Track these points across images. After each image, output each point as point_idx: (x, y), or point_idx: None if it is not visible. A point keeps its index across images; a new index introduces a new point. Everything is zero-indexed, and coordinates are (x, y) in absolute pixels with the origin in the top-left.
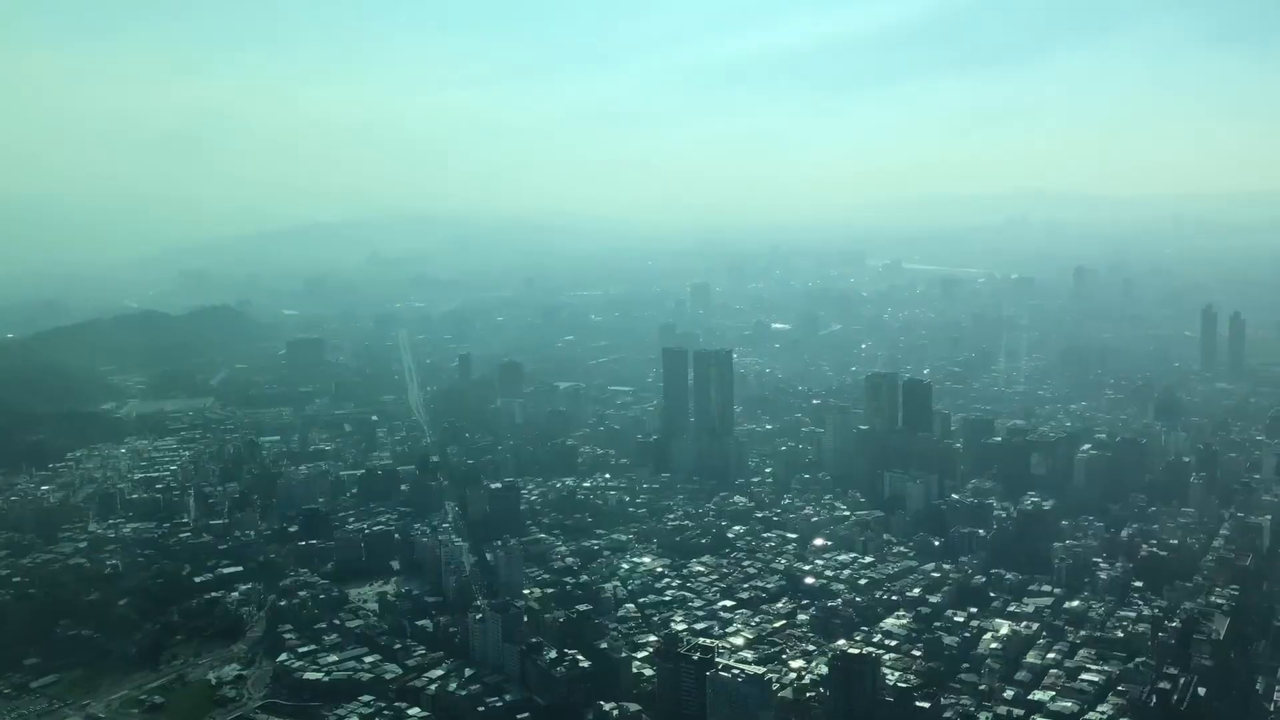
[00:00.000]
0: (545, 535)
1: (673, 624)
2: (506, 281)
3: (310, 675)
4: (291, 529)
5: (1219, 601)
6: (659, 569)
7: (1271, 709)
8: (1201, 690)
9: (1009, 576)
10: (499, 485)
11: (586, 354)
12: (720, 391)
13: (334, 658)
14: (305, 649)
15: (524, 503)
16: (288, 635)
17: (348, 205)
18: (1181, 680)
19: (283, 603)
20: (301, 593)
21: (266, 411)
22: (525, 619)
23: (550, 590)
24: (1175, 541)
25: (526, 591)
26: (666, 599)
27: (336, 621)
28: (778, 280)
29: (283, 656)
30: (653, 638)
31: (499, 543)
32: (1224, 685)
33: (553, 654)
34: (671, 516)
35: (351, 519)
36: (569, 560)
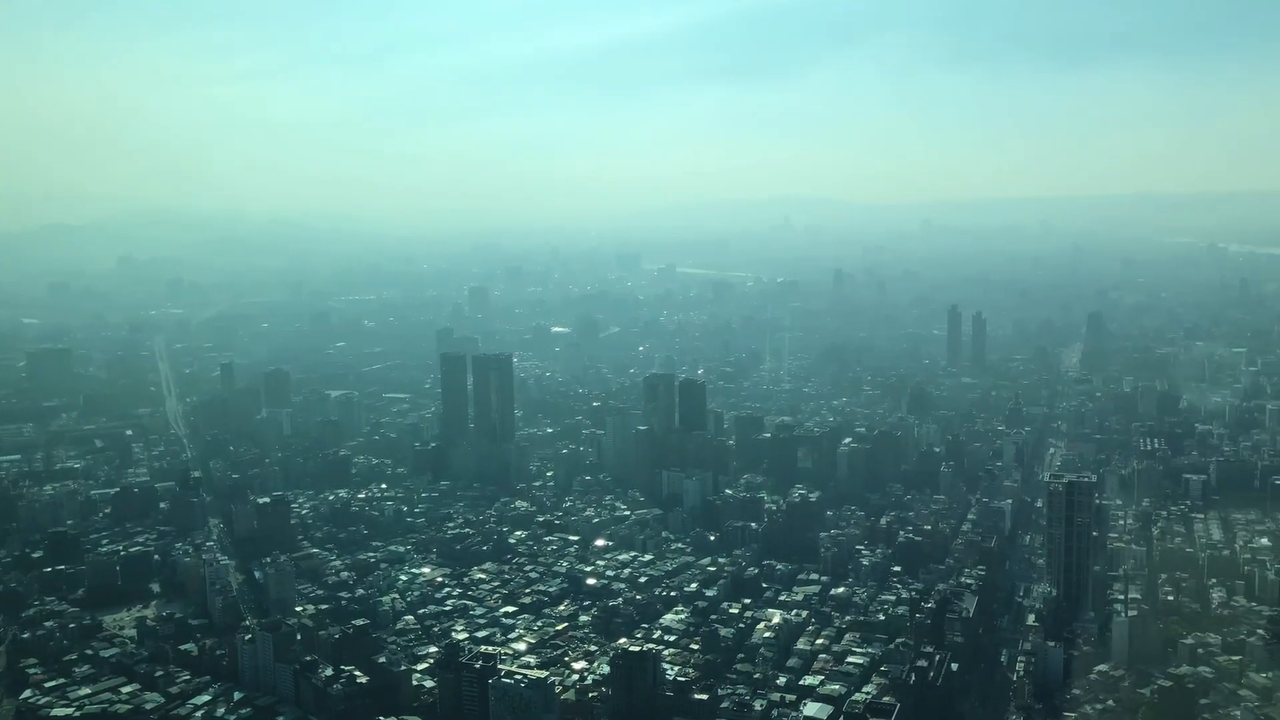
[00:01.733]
0: (318, 550)
1: (454, 634)
2: (272, 286)
3: (59, 711)
4: (35, 554)
5: (968, 581)
6: (439, 579)
7: (1014, 678)
8: (954, 665)
9: (780, 567)
10: (267, 500)
11: (359, 360)
12: (500, 396)
13: (86, 690)
14: (53, 683)
15: (294, 517)
16: (32, 670)
17: (95, 205)
18: (937, 657)
19: (25, 635)
20: (48, 623)
21: (4, 429)
22: (298, 637)
23: (325, 606)
24: (929, 527)
25: (299, 609)
26: (447, 609)
27: (89, 651)
28: (557, 284)
29: (26, 693)
30: (433, 649)
31: (268, 560)
32: (973, 659)
33: (329, 671)
34: (451, 525)
35: (105, 541)
36: (344, 574)
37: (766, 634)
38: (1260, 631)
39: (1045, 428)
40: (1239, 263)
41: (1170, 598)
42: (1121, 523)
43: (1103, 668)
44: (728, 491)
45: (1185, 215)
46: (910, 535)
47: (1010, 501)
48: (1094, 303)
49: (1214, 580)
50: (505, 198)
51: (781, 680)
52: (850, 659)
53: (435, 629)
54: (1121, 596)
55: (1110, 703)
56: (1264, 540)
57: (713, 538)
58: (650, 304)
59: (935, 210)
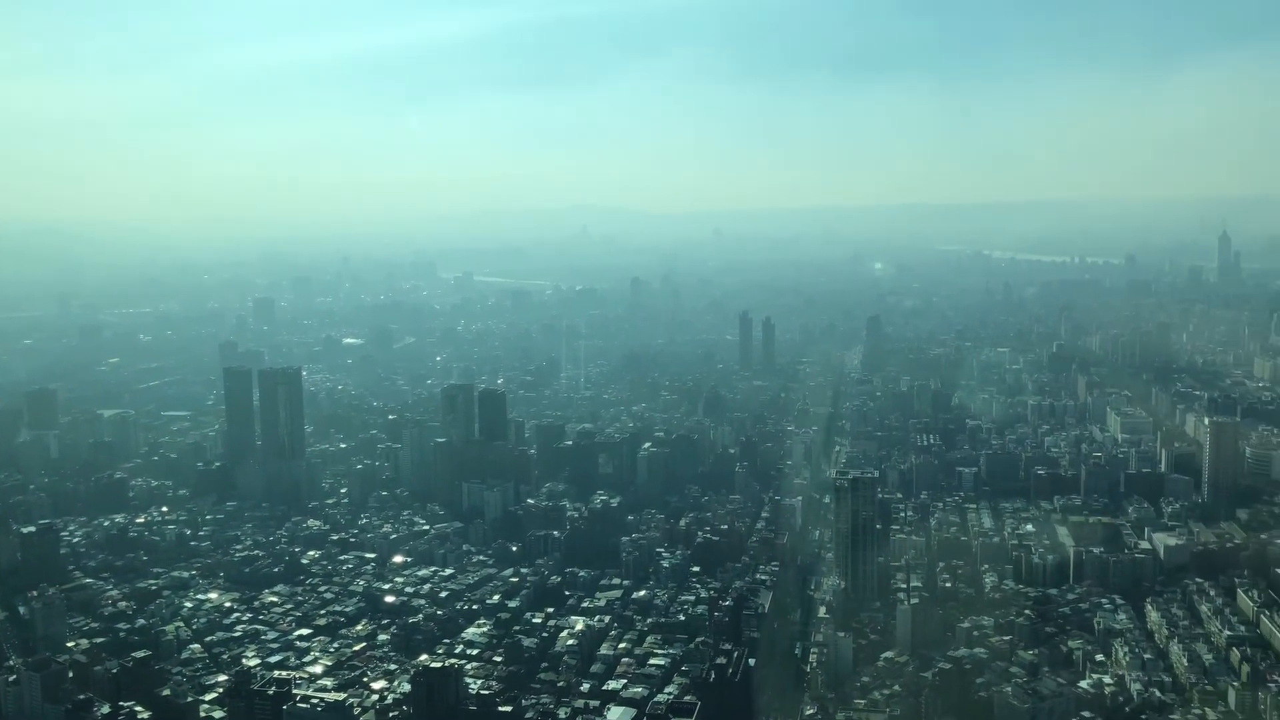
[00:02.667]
0: (92, 580)
1: (244, 660)
2: (36, 299)
3: None
4: None
5: (763, 577)
6: (227, 604)
7: (808, 669)
8: (752, 661)
9: (582, 574)
10: (32, 529)
11: (135, 377)
12: (289, 411)
13: None
14: None
15: (64, 546)
16: None
17: None
18: (735, 654)
19: None
20: None
21: None
22: (70, 675)
23: (101, 640)
24: (725, 526)
25: (71, 644)
26: (237, 635)
27: None
28: (348, 293)
29: None
30: (223, 677)
31: (34, 593)
32: (770, 654)
33: (106, 709)
34: (239, 547)
35: None
36: (121, 605)
37: (570, 641)
38: (1027, 612)
39: (832, 426)
40: (1002, 268)
41: (948, 584)
42: (903, 515)
43: (889, 654)
44: (530, 501)
45: (953, 224)
46: (708, 535)
47: (801, 499)
48: (873, 307)
49: (986, 566)
50: (293, 205)
51: (585, 687)
52: (652, 661)
53: (224, 656)
54: (904, 585)
55: (896, 687)
56: (1029, 526)
57: (515, 548)
58: (447, 313)
59: (726, 220)
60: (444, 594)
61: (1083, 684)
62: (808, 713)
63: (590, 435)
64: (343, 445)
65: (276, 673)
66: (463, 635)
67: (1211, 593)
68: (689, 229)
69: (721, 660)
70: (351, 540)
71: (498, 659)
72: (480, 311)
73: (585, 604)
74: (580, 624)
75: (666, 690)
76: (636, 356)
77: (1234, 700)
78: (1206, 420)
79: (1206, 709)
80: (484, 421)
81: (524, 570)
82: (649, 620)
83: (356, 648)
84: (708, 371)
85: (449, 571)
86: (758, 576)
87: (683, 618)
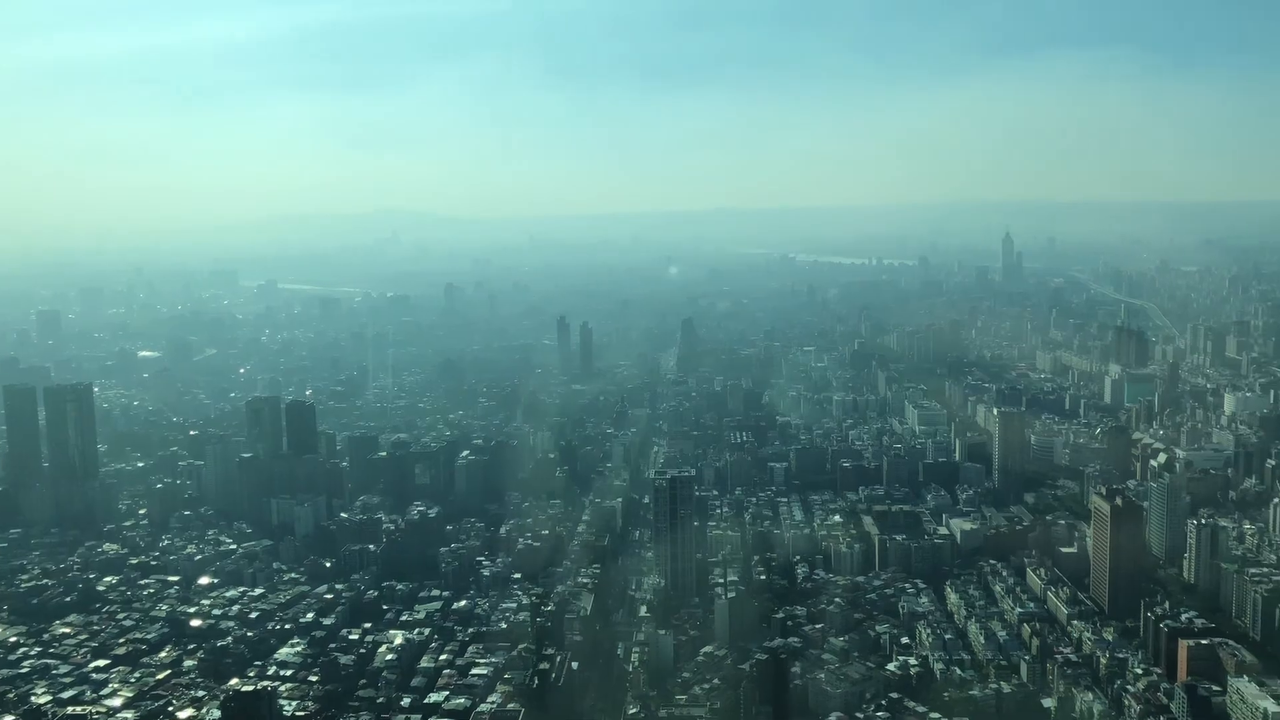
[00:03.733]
0: None
1: (33, 698)
2: None
3: None
4: None
5: (585, 581)
6: (13, 639)
7: (630, 669)
8: (575, 664)
9: (400, 587)
10: None
11: None
12: (80, 430)
13: None
14: None
15: None
16: None
17: None
18: (558, 659)
19: None
20: None
21: None
22: None
23: None
24: (546, 532)
25: None
26: (24, 671)
27: None
28: (142, 304)
29: None
30: (10, 718)
31: None
32: (593, 656)
33: None
34: (25, 577)
35: None
36: None
37: (389, 656)
38: (837, 600)
39: (649, 428)
40: (806, 271)
41: (763, 577)
42: (719, 511)
43: (708, 649)
44: (343, 515)
45: (760, 228)
46: (529, 542)
47: (621, 500)
48: (686, 310)
49: (798, 557)
50: (80, 211)
51: (406, 701)
52: (475, 671)
53: (10, 695)
54: (722, 580)
55: (715, 681)
56: (837, 517)
57: (329, 564)
58: (250, 323)
59: (539, 224)
60: (254, 615)
61: (890, 666)
62: (630, 712)
63: (405, 445)
64: (141, 464)
65: (70, 709)
66: (275, 656)
67: (1004, 573)
68: (502, 234)
69: (544, 666)
70: (152, 563)
71: (313, 678)
72: (286, 320)
73: (404, 617)
74: (399, 638)
75: (490, 699)
76: (452, 363)
77: (1025, 673)
78: (995, 411)
79: (1001, 682)
80: (292, 434)
81: (339, 586)
82: (470, 630)
83: (160, 676)
84: (526, 377)
85: (259, 591)
86: (580, 580)
87: (505, 626)
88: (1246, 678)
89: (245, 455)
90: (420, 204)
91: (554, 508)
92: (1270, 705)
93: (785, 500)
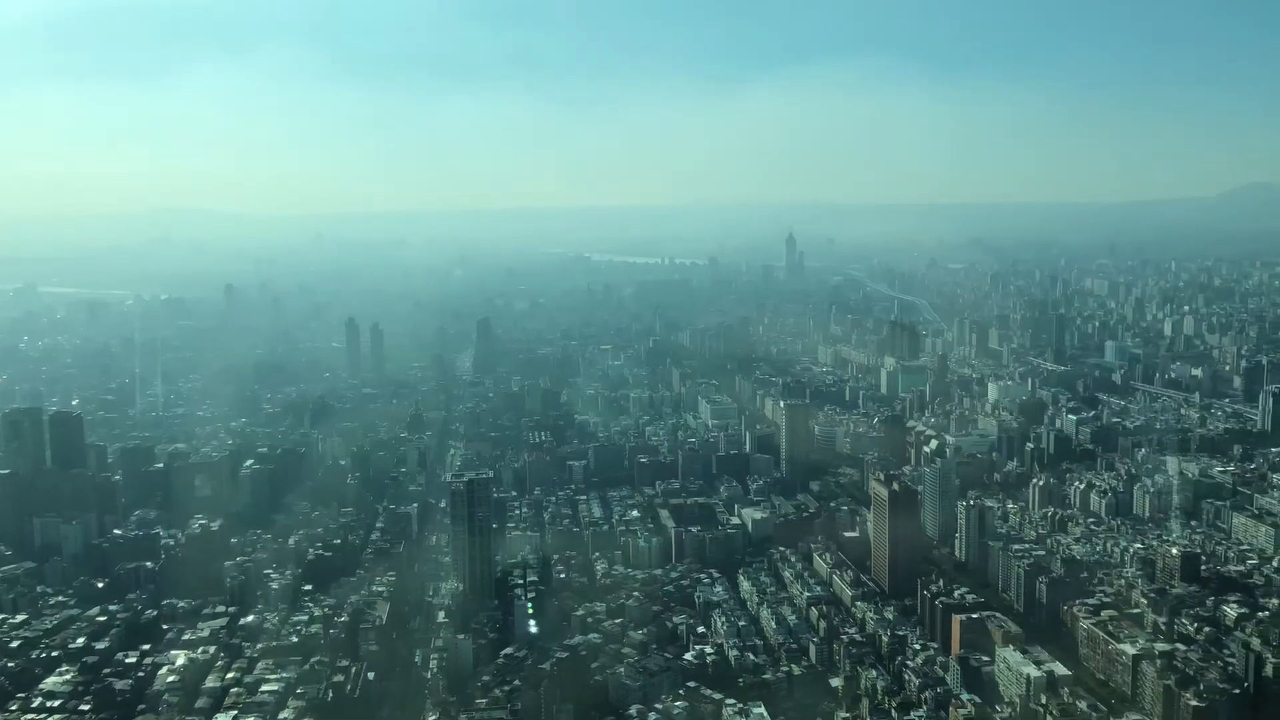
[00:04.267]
0: None
1: None
2: None
3: None
4: None
5: (380, 589)
6: None
7: (428, 676)
8: (371, 675)
9: (182, 604)
10: None
11: None
12: None
13: None
14: None
15: None
16: None
17: None
18: (353, 670)
19: None
20: None
21: None
22: None
23: None
24: (338, 541)
25: None
26: None
27: None
28: None
29: None
30: None
31: None
32: (390, 665)
33: None
34: None
35: None
36: None
37: (170, 678)
38: (636, 594)
39: (445, 430)
40: (602, 270)
41: (563, 575)
42: (518, 512)
43: (508, 650)
44: (116, 532)
45: (557, 228)
46: (320, 551)
47: (416, 505)
48: (482, 310)
49: (597, 554)
50: None
51: None
52: (265, 688)
53: None
54: (521, 581)
55: (516, 682)
56: (635, 512)
57: (101, 585)
58: (6, 329)
59: (328, 223)
60: (16, 643)
61: (687, 656)
62: (430, 719)
63: (184, 456)
64: None
65: None
66: (42, 686)
67: (793, 559)
68: (288, 233)
69: (339, 678)
70: None
71: (85, 708)
72: (47, 326)
73: (186, 636)
74: (181, 658)
75: (281, 716)
76: (234, 369)
77: (814, 654)
78: (782, 404)
79: (792, 665)
80: (57, 448)
81: (113, 608)
82: (259, 645)
83: None
84: (314, 382)
85: (21, 617)
86: (374, 588)
87: (296, 639)
88: (1012, 647)
89: (2, 472)
90: (198, 201)
91: (346, 516)
92: (1033, 671)
93: (584, 498)
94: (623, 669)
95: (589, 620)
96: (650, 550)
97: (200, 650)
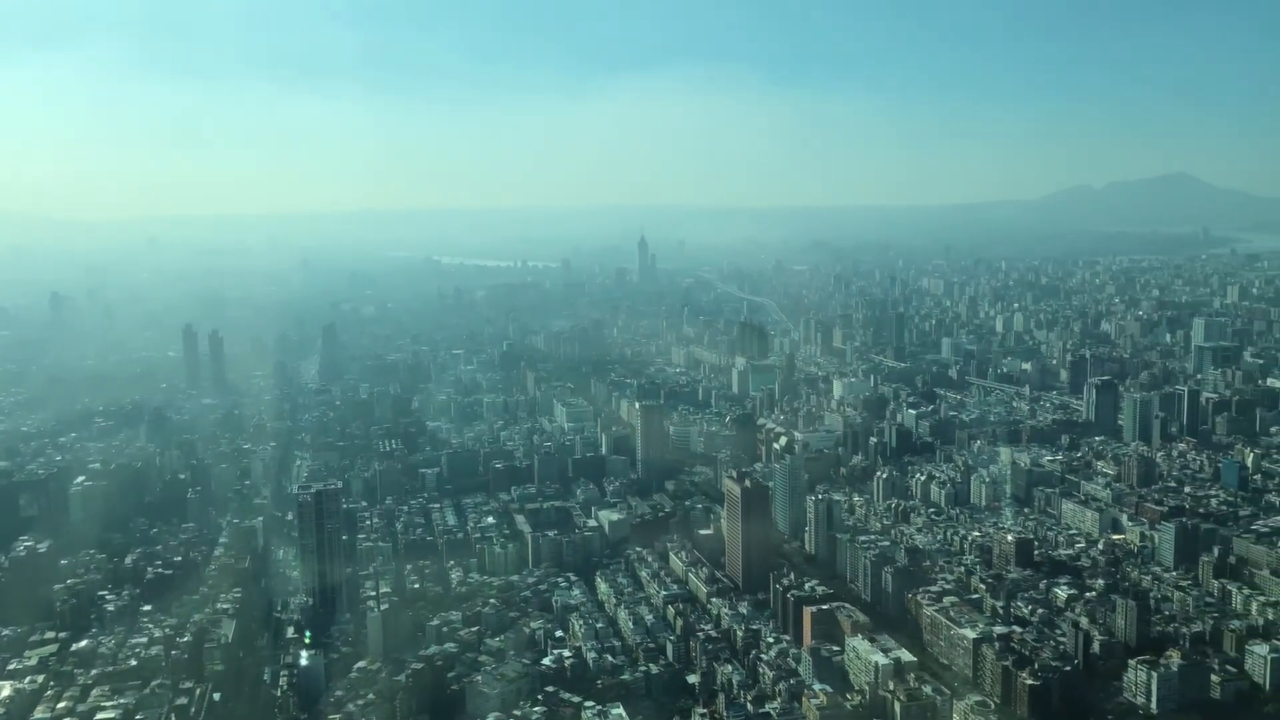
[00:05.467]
0: None
1: None
2: None
3: None
4: None
5: (225, 606)
6: None
7: (278, 694)
8: (217, 695)
9: (6, 632)
10: None
11: None
12: None
13: None
14: None
15: None
16: None
17: None
18: (198, 692)
19: None
20: None
21: None
22: None
23: None
24: (179, 558)
25: None
26: None
27: None
28: None
29: None
30: None
31: None
32: (237, 685)
33: None
34: None
35: None
36: None
37: None
38: (493, 601)
39: (291, 440)
40: (453, 273)
41: (416, 585)
42: (369, 522)
43: (361, 664)
44: None
45: (404, 230)
46: (160, 570)
47: (262, 519)
48: (327, 315)
49: (452, 562)
50: None
51: None
52: (100, 715)
53: None
54: (374, 593)
55: (370, 695)
56: (490, 519)
57: None
58: None
59: (162, 226)
60: None
61: (545, 661)
62: None
63: (8, 474)
64: None
65: None
66: None
67: (650, 559)
68: (119, 237)
69: (182, 701)
70: None
71: None
72: None
73: (12, 665)
74: (7, 689)
75: None
76: (61, 381)
77: (671, 652)
78: (637, 405)
79: (650, 664)
80: None
81: None
82: (94, 671)
83: None
84: (150, 392)
85: None
86: (219, 606)
87: (134, 663)
88: (860, 636)
89: None
90: (19, 205)
91: (187, 532)
92: (880, 658)
93: (438, 506)
94: (480, 677)
95: (444, 629)
96: (506, 556)
97: (27, 680)
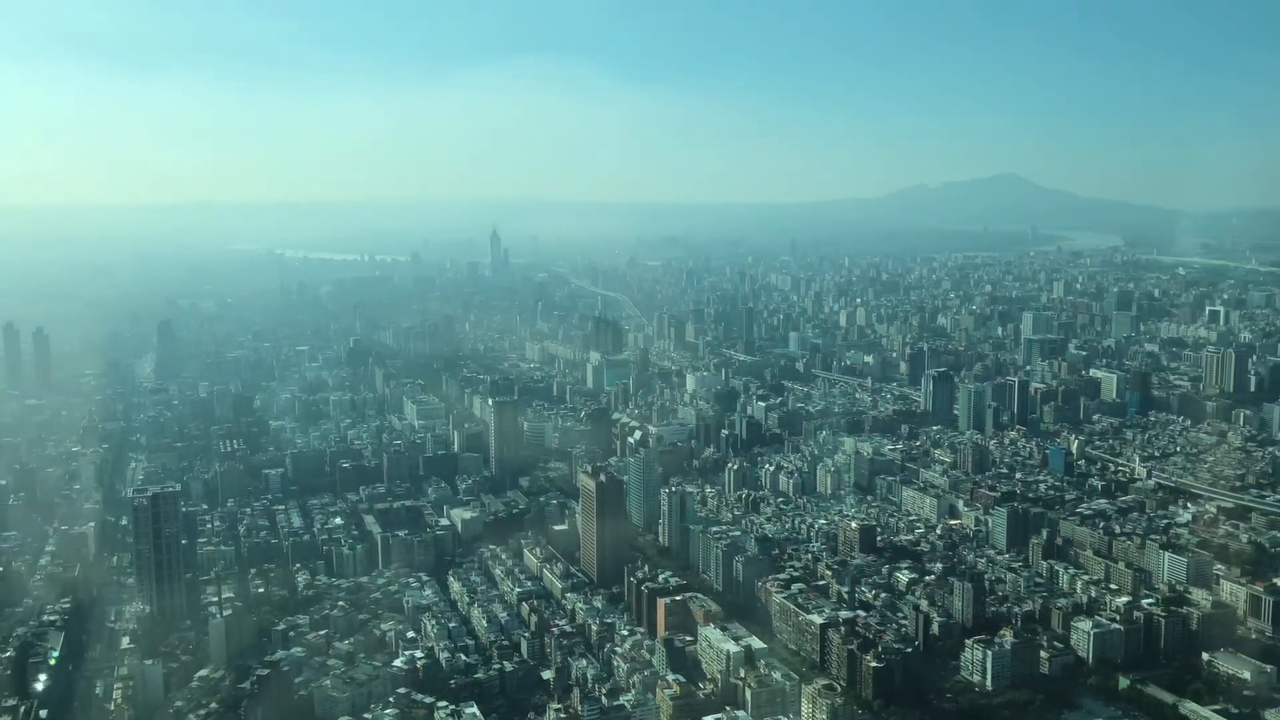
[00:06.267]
0: None
1: None
2: None
3: None
4: None
5: (52, 619)
6: None
7: (112, 707)
8: (44, 713)
9: None
10: None
11: None
12: None
13: None
14: None
15: None
16: None
17: None
18: (23, 709)
19: None
20: None
21: None
22: None
23: None
24: (0, 569)
25: None
26: None
27: None
28: None
29: None
30: None
31: None
32: (66, 701)
33: None
34: None
35: None
36: None
37: None
38: (341, 603)
39: (125, 442)
40: (297, 267)
41: (261, 589)
42: (210, 526)
43: (204, 672)
44: None
45: (245, 223)
46: None
47: (93, 524)
48: (164, 311)
49: (299, 565)
50: None
51: None
52: None
53: None
54: (216, 599)
55: (213, 705)
56: (338, 520)
57: None
58: None
59: None
60: None
61: (397, 662)
62: None
63: None
64: None
65: None
66: None
67: (504, 556)
68: None
69: (6, 719)
70: None
71: None
72: None
73: None
74: None
75: None
76: None
77: (526, 649)
78: (490, 402)
79: (504, 662)
80: None
81: None
82: None
83: None
84: None
85: None
86: (45, 618)
87: None
88: (713, 625)
89: None
90: None
91: (8, 540)
92: (731, 647)
93: (283, 508)
94: (329, 681)
95: (291, 634)
96: (355, 558)
97: None
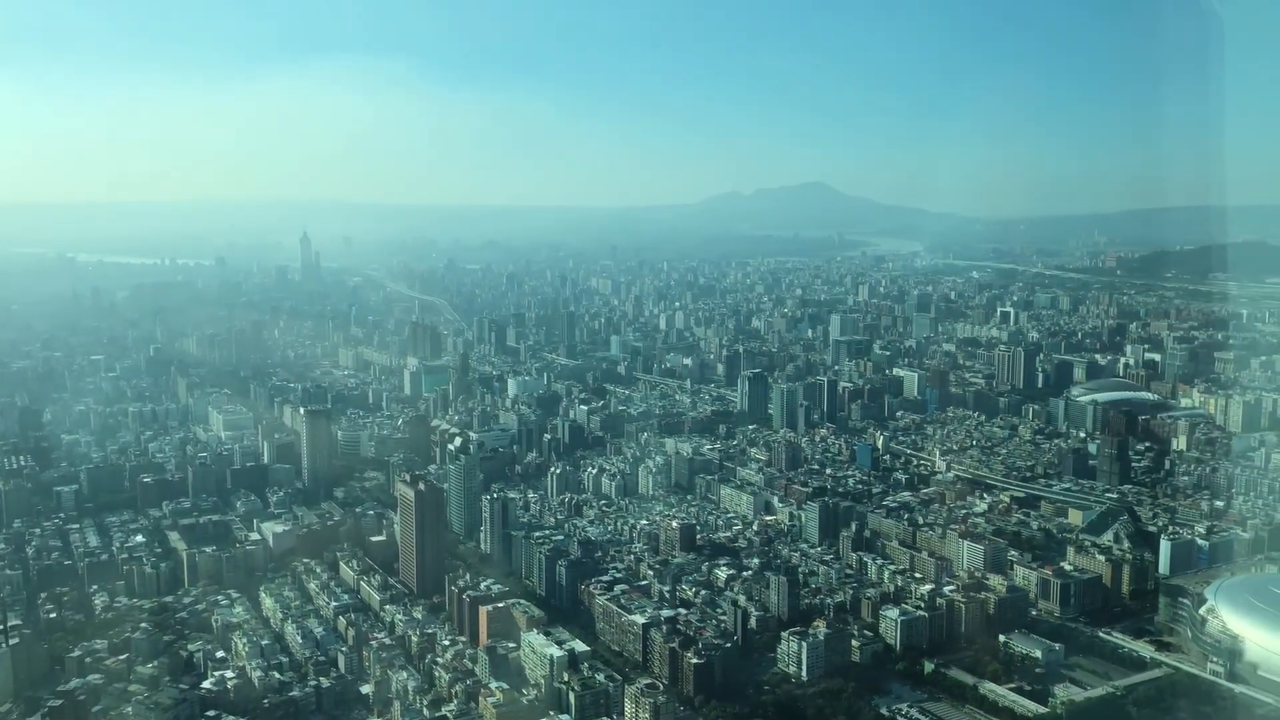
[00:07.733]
0: None
1: None
2: None
3: None
4: None
5: None
6: None
7: None
8: None
9: None
10: None
11: None
12: None
13: None
14: None
15: None
16: None
17: None
18: None
19: None
20: None
21: None
22: None
23: None
24: None
25: None
26: None
27: None
28: None
29: None
30: None
31: None
32: None
33: None
34: None
35: None
36: None
37: None
38: (144, 625)
39: None
40: (90, 272)
41: (53, 615)
42: None
43: None
44: None
45: (32, 224)
46: None
47: None
48: None
49: (96, 587)
50: None
51: None
52: None
53: None
54: (0, 627)
55: None
56: (139, 537)
57: None
58: None
59: None
60: None
61: (206, 684)
62: None
63: None
64: None
65: None
66: None
67: (318, 570)
68: None
69: None
70: None
71: None
72: None
73: None
74: None
75: None
76: None
77: (343, 664)
78: (301, 410)
79: (321, 678)
80: None
81: None
82: None
83: None
84: None
85: None
86: None
87: None
88: (536, 631)
89: None
90: None
91: None
92: (555, 651)
93: (77, 527)
94: (129, 708)
95: (88, 660)
96: (159, 576)
97: None
